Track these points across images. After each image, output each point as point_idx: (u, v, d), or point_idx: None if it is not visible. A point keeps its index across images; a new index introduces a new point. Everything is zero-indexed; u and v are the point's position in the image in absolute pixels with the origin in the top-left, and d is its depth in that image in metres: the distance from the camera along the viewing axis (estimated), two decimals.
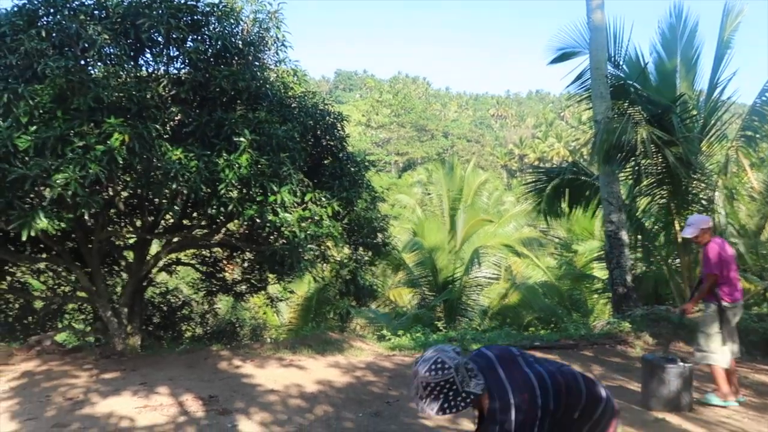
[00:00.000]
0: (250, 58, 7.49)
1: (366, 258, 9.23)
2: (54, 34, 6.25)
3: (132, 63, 6.78)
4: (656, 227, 10.23)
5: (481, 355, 2.21)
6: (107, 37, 6.12)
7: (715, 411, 5.03)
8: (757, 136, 9.19)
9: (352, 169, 8.44)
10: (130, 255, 9.08)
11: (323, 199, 7.30)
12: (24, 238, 5.63)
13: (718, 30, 9.54)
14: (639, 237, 10.19)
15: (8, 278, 9.13)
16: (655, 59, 9.97)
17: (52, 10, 6.51)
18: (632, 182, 9.76)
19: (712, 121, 9.50)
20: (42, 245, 8.38)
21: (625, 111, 8.67)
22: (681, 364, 5.02)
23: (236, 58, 7.28)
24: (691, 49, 9.75)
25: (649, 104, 9.04)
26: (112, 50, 6.41)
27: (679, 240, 9.44)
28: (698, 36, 9.75)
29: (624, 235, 9.02)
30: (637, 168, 9.11)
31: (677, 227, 9.44)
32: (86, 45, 6.19)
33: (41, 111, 5.74)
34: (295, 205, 6.86)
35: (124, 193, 8.32)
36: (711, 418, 4.87)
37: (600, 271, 14.57)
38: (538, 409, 1.97)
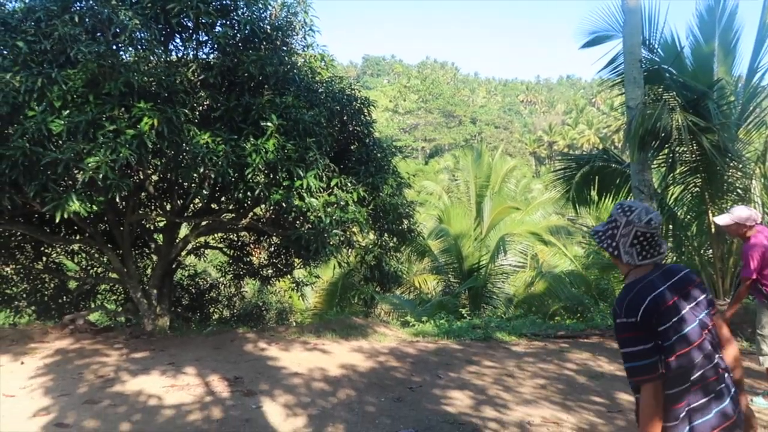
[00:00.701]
0: (278, 42, 7.50)
1: (391, 244, 9.23)
2: (86, 20, 6.33)
3: (162, 48, 6.84)
4: (689, 217, 9.98)
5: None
6: (138, 22, 6.18)
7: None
8: None
9: (379, 155, 8.42)
10: (159, 238, 9.25)
11: (349, 184, 7.31)
12: (57, 220, 5.78)
13: (760, 12, 9.19)
14: (670, 227, 9.95)
15: (44, 259, 9.41)
16: (691, 43, 9.64)
17: None
18: (665, 170, 9.52)
19: (751, 108, 9.18)
20: (76, 227, 8.60)
21: (659, 96, 8.41)
22: None
23: (264, 42, 7.30)
24: (730, 32, 9.39)
25: (685, 90, 8.77)
26: (142, 35, 6.47)
27: (713, 230, 9.21)
28: (738, 18, 9.38)
29: None
30: (671, 155, 8.87)
31: (711, 217, 9.20)
32: (117, 30, 6.27)
33: (74, 95, 5.86)
34: (321, 190, 6.89)
35: (154, 177, 8.49)
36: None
37: None
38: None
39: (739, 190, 8.93)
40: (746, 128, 9.16)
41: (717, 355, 2.10)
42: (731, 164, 8.65)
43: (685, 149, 8.71)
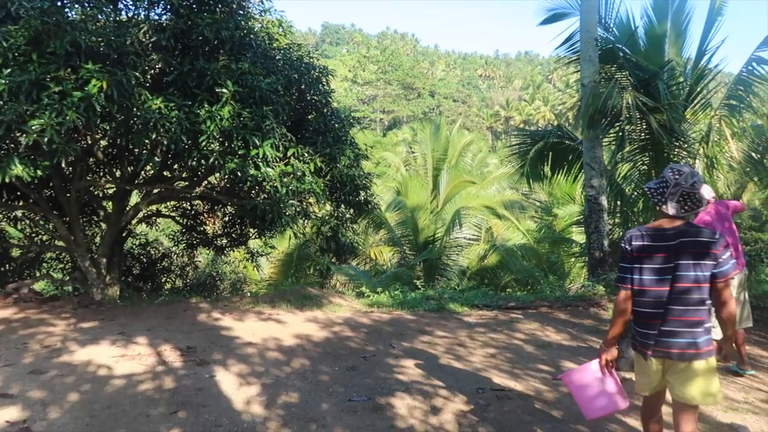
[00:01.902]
0: (234, 6, 7.28)
1: (348, 215, 9.24)
2: None
3: (111, 6, 6.53)
4: (636, 193, 10.33)
5: None
6: None
7: None
8: (741, 105, 9.22)
9: (336, 125, 8.35)
10: (109, 205, 8.98)
11: (306, 154, 7.25)
12: None
13: None
14: (618, 203, 10.29)
15: None
16: (645, 23, 9.86)
17: None
18: (615, 148, 9.79)
19: (698, 89, 9.50)
20: (19, 192, 8.24)
21: (612, 75, 8.62)
22: None
23: (220, 5, 7.07)
24: (682, 14, 9.64)
25: (637, 69, 8.99)
26: None
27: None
28: (690, 1, 9.64)
29: (603, 201, 9.11)
30: (620, 134, 9.12)
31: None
32: None
33: (16, 54, 5.56)
34: (278, 159, 6.80)
35: (103, 142, 8.20)
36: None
37: (578, 236, 14.79)
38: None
39: None
40: (693, 109, 9.48)
41: (679, 306, 2.78)
42: (677, 144, 8.96)
43: (635, 128, 8.97)
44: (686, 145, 9.11)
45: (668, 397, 3.02)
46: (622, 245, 2.93)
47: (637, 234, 2.87)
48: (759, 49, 8.94)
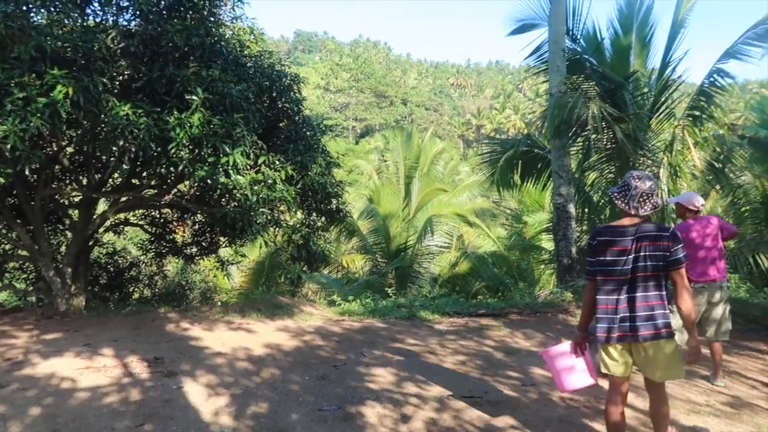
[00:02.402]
0: (205, 12, 7.21)
1: (319, 224, 9.22)
2: None
3: (78, 11, 6.43)
4: (603, 201, 10.54)
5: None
6: None
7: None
8: (704, 116, 9.50)
9: (308, 133, 8.35)
10: (75, 214, 8.78)
11: (277, 162, 7.22)
12: None
13: (673, 8, 9.74)
14: (586, 210, 10.49)
15: None
16: (611, 35, 10.11)
17: None
18: (581, 157, 10.00)
19: (662, 99, 9.76)
20: None
21: (579, 86, 8.82)
22: None
23: (190, 12, 7.00)
24: (646, 26, 9.92)
25: (603, 80, 9.21)
26: None
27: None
28: (654, 14, 9.92)
29: (571, 208, 9.28)
30: (587, 143, 9.32)
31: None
32: None
33: None
34: (248, 167, 6.76)
35: (69, 149, 8.03)
36: (640, 382, 5.13)
37: (547, 243, 15.00)
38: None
39: None
40: (657, 119, 9.74)
41: (636, 293, 3.19)
42: (641, 153, 9.18)
43: (601, 137, 9.18)
44: (650, 154, 9.35)
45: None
46: (589, 241, 3.36)
47: (601, 229, 3.31)
48: (720, 62, 9.24)
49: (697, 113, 9.43)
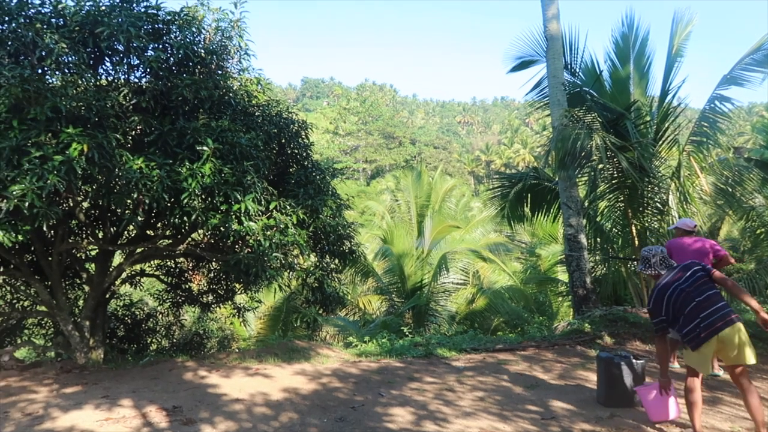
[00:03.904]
0: (213, 66, 7.49)
1: (333, 266, 9.25)
2: (9, 43, 6.15)
3: (91, 72, 6.69)
4: (614, 230, 10.53)
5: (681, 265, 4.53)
6: (65, 45, 6.05)
7: None
8: (709, 141, 9.55)
9: (318, 176, 8.48)
10: (91, 267, 8.92)
11: (288, 207, 7.32)
12: None
13: (668, 38, 9.93)
14: (598, 240, 10.47)
15: None
16: (609, 67, 10.30)
17: (6, 18, 6.39)
18: (588, 187, 10.04)
19: (665, 127, 9.85)
20: None
21: (581, 118, 8.94)
22: (634, 361, 5.22)
23: (198, 66, 7.28)
24: (643, 57, 10.10)
25: (605, 110, 9.34)
26: (70, 59, 6.31)
27: (637, 243, 9.75)
28: (650, 44, 10.12)
29: (583, 239, 9.26)
30: (593, 173, 9.37)
31: (634, 230, 9.75)
32: (43, 54, 6.13)
33: None
34: (260, 213, 6.87)
35: (85, 204, 8.21)
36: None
37: (563, 275, 14.90)
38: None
39: (658, 205, 9.51)
40: (661, 146, 9.80)
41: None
42: (647, 180, 9.21)
43: (608, 167, 9.23)
44: (657, 181, 9.37)
45: None
46: (650, 307, 4.48)
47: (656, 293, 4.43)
48: (720, 87, 9.37)
49: (701, 139, 9.49)
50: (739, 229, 16.31)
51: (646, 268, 4.49)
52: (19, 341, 9.63)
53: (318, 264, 9.00)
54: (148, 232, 8.67)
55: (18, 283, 9.16)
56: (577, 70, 10.15)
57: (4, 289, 9.49)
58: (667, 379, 4.49)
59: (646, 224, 9.75)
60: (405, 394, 5.81)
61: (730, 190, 9.70)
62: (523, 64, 10.38)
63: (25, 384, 6.43)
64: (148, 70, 6.88)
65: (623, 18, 10.23)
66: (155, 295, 11.55)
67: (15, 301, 9.58)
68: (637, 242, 9.72)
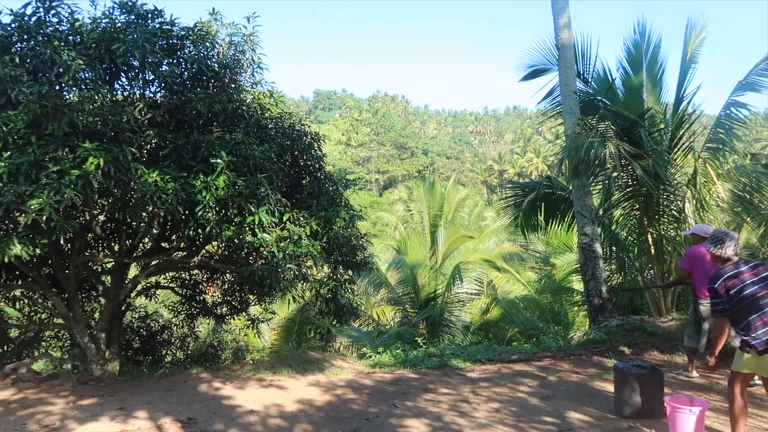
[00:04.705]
0: (226, 80, 7.58)
1: (346, 276, 9.26)
2: (28, 60, 6.27)
3: (107, 87, 6.79)
4: (630, 239, 10.42)
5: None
6: (82, 62, 6.16)
7: None
8: (725, 148, 9.46)
9: (330, 188, 8.51)
10: (107, 280, 9.01)
11: (302, 218, 7.35)
12: None
13: (682, 45, 9.87)
14: (613, 249, 10.37)
15: None
16: (621, 75, 10.25)
17: (25, 36, 6.54)
18: (602, 196, 9.96)
19: (680, 134, 9.77)
20: (17, 272, 8.29)
21: (594, 126, 8.89)
22: (651, 371, 5.15)
23: (212, 80, 7.36)
24: (655, 64, 10.04)
25: (618, 119, 9.28)
26: (86, 75, 6.44)
27: (653, 251, 9.65)
28: (662, 52, 10.07)
29: (598, 247, 9.18)
30: (607, 181, 9.30)
31: (650, 239, 9.65)
32: (61, 70, 6.24)
33: (15, 137, 5.74)
34: (273, 225, 6.90)
35: (101, 217, 8.31)
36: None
37: (579, 284, 14.76)
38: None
39: (674, 213, 9.41)
40: (677, 153, 9.71)
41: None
42: (662, 188, 9.12)
43: (623, 175, 9.16)
44: (672, 189, 9.27)
45: None
46: (711, 286, 4.35)
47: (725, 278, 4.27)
48: (735, 93, 9.28)
49: (717, 146, 9.40)
50: (758, 237, 16.07)
51: (716, 246, 4.41)
52: (36, 353, 9.74)
53: (331, 275, 9.01)
54: (163, 244, 8.74)
55: (35, 296, 9.27)
56: (590, 78, 10.12)
57: (22, 302, 9.60)
58: (717, 359, 4.40)
59: (663, 232, 9.65)
60: (419, 405, 5.77)
61: (748, 197, 9.58)
62: (535, 73, 10.38)
63: (42, 396, 6.49)
64: (163, 84, 6.98)
65: (635, 26, 10.22)
66: (170, 307, 11.62)
67: (33, 313, 9.69)
68: (653, 251, 9.61)
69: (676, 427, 4.54)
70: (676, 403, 4.60)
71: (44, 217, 5.39)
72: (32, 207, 5.35)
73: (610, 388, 5.95)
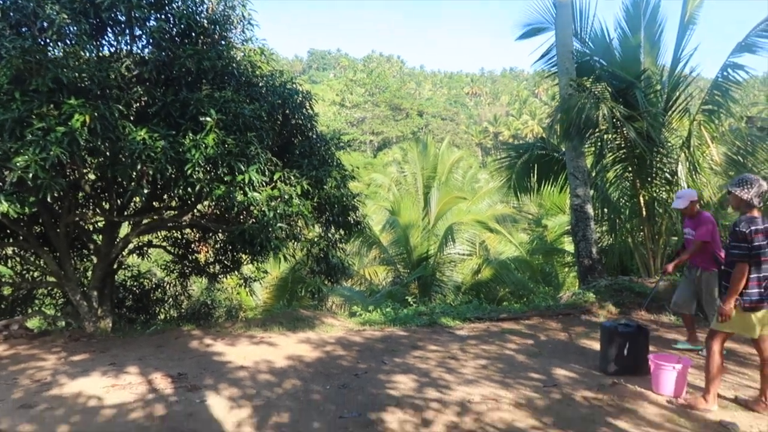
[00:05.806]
0: (216, 36, 7.41)
1: (337, 236, 9.28)
2: (10, 14, 6.11)
3: (93, 43, 6.64)
4: (622, 201, 10.45)
5: None
6: (66, 16, 6.00)
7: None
8: (720, 110, 9.39)
9: (322, 148, 8.44)
10: (99, 238, 8.99)
11: (292, 178, 7.31)
12: None
13: (681, 5, 9.69)
14: (605, 210, 10.41)
15: None
16: (619, 35, 10.09)
17: None
18: (595, 157, 9.94)
19: (676, 96, 9.68)
20: (8, 230, 8.26)
21: (588, 87, 8.79)
22: (637, 329, 5.23)
23: (201, 37, 7.20)
24: (654, 24, 9.88)
25: (614, 80, 9.18)
26: (71, 30, 6.27)
27: (644, 213, 9.69)
28: (661, 12, 9.89)
29: (589, 209, 9.21)
30: (599, 143, 9.26)
31: (642, 201, 9.68)
32: (44, 24, 6.08)
33: None
34: (264, 184, 6.87)
35: (90, 176, 8.23)
36: None
37: (570, 245, 14.85)
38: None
39: (667, 175, 9.41)
40: (672, 116, 9.65)
41: None
42: (656, 150, 9.09)
43: (616, 137, 9.12)
44: (666, 152, 9.25)
45: None
46: (743, 230, 4.15)
47: (759, 220, 4.16)
48: (733, 55, 9.16)
49: (713, 108, 9.33)
50: None
51: (742, 189, 4.17)
52: (29, 311, 9.78)
53: (323, 235, 9.02)
54: (153, 203, 8.70)
55: (27, 255, 9.26)
56: (587, 38, 9.96)
57: (14, 260, 9.60)
58: (730, 305, 4.21)
59: (655, 194, 9.67)
60: (408, 362, 5.87)
61: (742, 160, 9.56)
62: (531, 32, 10.20)
63: (34, 352, 6.56)
64: (151, 40, 6.83)
65: None
66: (163, 266, 11.65)
67: (25, 272, 9.70)
68: (644, 213, 9.65)
69: (659, 383, 4.67)
70: (661, 360, 4.72)
71: (30, 175, 5.34)
72: (18, 164, 5.29)
73: (596, 346, 6.04)
